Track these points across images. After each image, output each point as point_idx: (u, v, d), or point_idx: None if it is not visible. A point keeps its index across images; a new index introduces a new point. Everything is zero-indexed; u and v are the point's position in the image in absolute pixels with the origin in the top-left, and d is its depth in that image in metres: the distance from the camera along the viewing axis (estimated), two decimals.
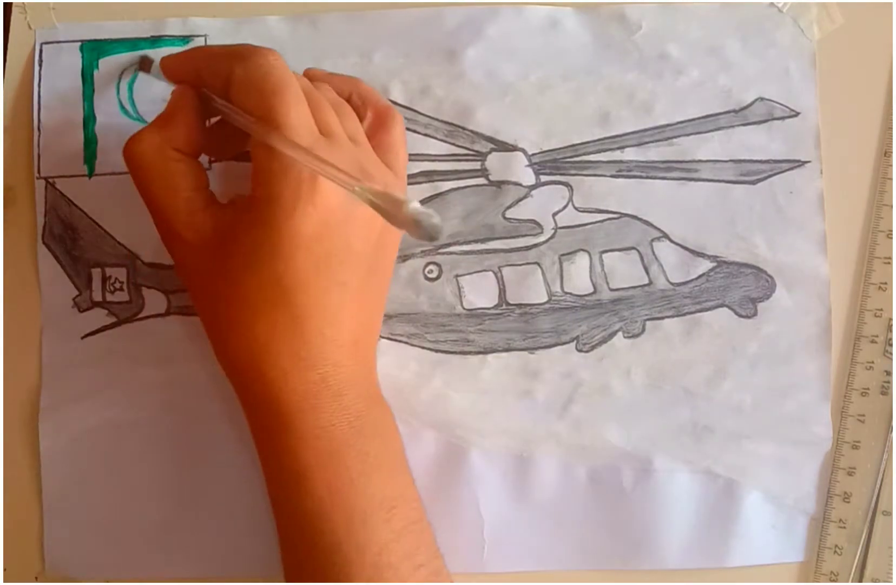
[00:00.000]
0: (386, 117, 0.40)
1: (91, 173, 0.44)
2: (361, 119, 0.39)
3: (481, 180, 0.44)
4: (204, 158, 0.44)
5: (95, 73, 0.44)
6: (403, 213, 0.30)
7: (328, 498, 0.36)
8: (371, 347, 0.39)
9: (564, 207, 0.44)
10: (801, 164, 0.44)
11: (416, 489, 0.38)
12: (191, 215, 0.37)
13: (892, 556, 0.42)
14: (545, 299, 0.44)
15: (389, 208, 0.30)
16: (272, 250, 0.35)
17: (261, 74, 0.35)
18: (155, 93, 0.44)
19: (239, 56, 0.36)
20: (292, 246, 0.35)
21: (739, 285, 0.43)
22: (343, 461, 0.36)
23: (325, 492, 0.36)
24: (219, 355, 0.37)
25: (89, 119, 0.44)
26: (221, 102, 0.37)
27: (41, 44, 0.44)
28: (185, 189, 0.37)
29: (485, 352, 0.44)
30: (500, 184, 0.44)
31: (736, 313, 0.43)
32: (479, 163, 0.44)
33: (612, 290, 0.44)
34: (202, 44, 0.45)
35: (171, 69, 0.39)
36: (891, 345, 0.43)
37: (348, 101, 0.40)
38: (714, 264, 0.44)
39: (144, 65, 0.44)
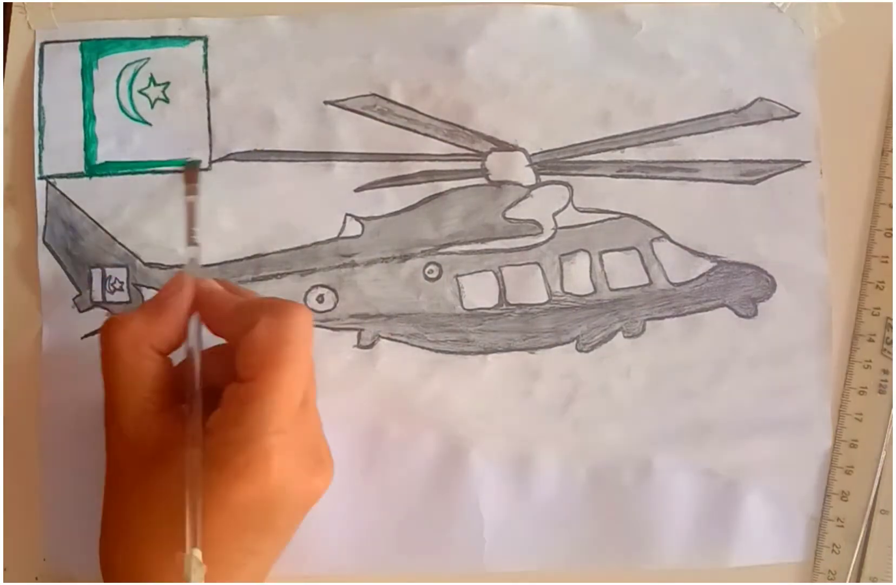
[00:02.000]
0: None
1: (91, 174, 0.44)
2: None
3: (481, 180, 0.44)
4: (205, 159, 0.44)
5: (95, 72, 0.44)
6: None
7: None
8: None
9: (564, 207, 0.44)
10: (800, 164, 0.44)
11: None
12: (141, 416, 0.36)
13: (890, 555, 0.42)
14: (545, 299, 0.44)
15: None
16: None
17: (281, 338, 0.35)
18: (155, 93, 0.44)
19: (268, 306, 0.36)
20: (216, 510, 0.34)
21: (740, 285, 0.44)
22: None
23: None
24: (101, 559, 0.37)
25: (89, 119, 0.44)
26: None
27: (41, 44, 0.44)
28: (146, 389, 0.37)
29: (485, 352, 0.44)
30: (500, 184, 0.44)
31: (736, 313, 0.44)
32: (479, 163, 0.44)
33: (612, 290, 0.44)
34: (201, 47, 0.44)
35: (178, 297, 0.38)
36: (889, 344, 0.43)
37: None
38: (714, 263, 0.44)
39: (190, 177, 0.41)
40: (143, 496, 0.35)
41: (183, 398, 0.37)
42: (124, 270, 0.44)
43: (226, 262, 0.44)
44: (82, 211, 0.44)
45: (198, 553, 0.33)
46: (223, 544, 0.35)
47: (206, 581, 0.34)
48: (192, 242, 0.39)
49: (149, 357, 0.37)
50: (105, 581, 0.37)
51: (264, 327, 0.35)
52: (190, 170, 0.43)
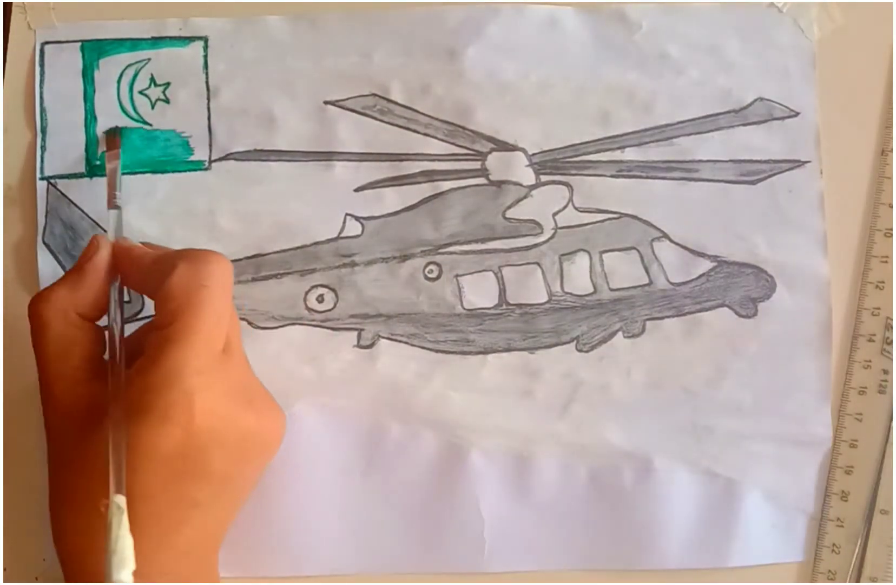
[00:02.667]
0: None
1: (92, 174, 0.44)
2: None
3: (481, 180, 0.44)
4: (205, 159, 0.44)
5: (96, 72, 0.44)
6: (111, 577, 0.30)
7: None
8: (209, 556, 0.38)
9: (564, 207, 0.44)
10: (800, 164, 0.44)
11: None
12: (73, 385, 0.37)
13: (890, 555, 0.42)
14: (545, 299, 0.44)
15: (111, 555, 0.31)
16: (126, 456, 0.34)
17: (197, 284, 0.35)
18: (155, 94, 0.44)
19: (184, 255, 0.36)
20: (145, 460, 0.34)
21: (740, 285, 0.44)
22: None
23: None
24: (52, 531, 0.37)
25: (90, 119, 0.44)
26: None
27: (41, 44, 0.44)
28: (76, 358, 0.37)
29: (485, 352, 0.44)
30: (500, 184, 0.44)
31: (736, 313, 0.44)
32: (479, 163, 0.44)
33: (612, 290, 0.44)
34: (201, 47, 0.44)
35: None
36: (889, 344, 0.43)
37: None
38: (714, 263, 0.44)
39: (111, 143, 0.44)
40: (83, 462, 0.35)
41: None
42: None
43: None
44: (82, 211, 0.44)
45: (120, 499, 0.32)
46: (157, 496, 0.35)
47: (152, 536, 0.34)
48: (112, 205, 0.41)
49: (76, 325, 0.37)
50: (57, 549, 0.36)
51: (180, 272, 0.35)
52: (110, 137, 0.44)
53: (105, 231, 0.44)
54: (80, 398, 0.36)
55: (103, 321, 0.38)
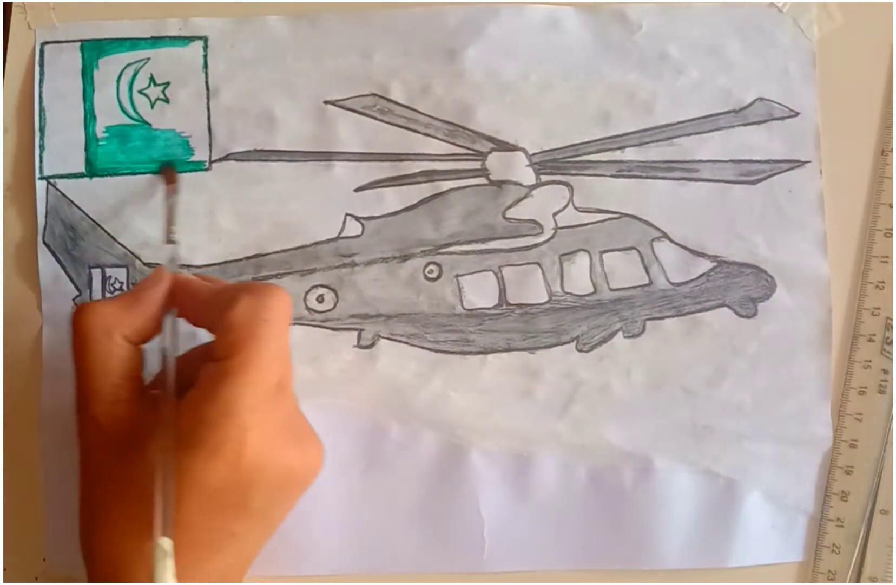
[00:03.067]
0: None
1: (92, 174, 0.44)
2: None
3: (482, 180, 0.44)
4: (205, 159, 0.44)
5: (96, 73, 0.44)
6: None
7: None
8: (240, 575, 0.38)
9: (565, 207, 0.44)
10: (800, 164, 0.44)
11: None
12: (113, 403, 0.36)
13: (890, 555, 0.42)
14: (545, 299, 0.44)
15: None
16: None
17: (259, 318, 0.35)
18: (155, 93, 0.44)
19: (248, 289, 0.36)
20: (190, 491, 0.34)
21: (740, 285, 0.44)
22: None
23: None
24: (81, 548, 0.37)
25: (90, 119, 0.44)
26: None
27: (41, 44, 0.44)
28: (117, 376, 0.37)
29: (485, 352, 0.44)
30: (500, 184, 0.44)
31: (736, 313, 0.44)
32: (479, 163, 0.44)
33: (612, 290, 0.44)
34: (201, 47, 0.44)
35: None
36: (889, 344, 0.43)
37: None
38: (714, 263, 0.44)
39: (170, 178, 0.43)
40: (119, 484, 0.35)
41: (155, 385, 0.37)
42: (124, 270, 0.44)
43: (226, 262, 0.44)
44: (82, 211, 0.44)
45: (166, 543, 0.33)
46: (198, 526, 0.35)
47: (186, 563, 0.34)
48: (170, 240, 0.41)
49: (120, 345, 0.37)
50: (87, 568, 0.36)
51: (243, 305, 0.35)
52: (168, 171, 0.43)
53: (106, 232, 0.44)
54: (119, 417, 0.36)
55: None
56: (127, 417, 0.36)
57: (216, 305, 0.36)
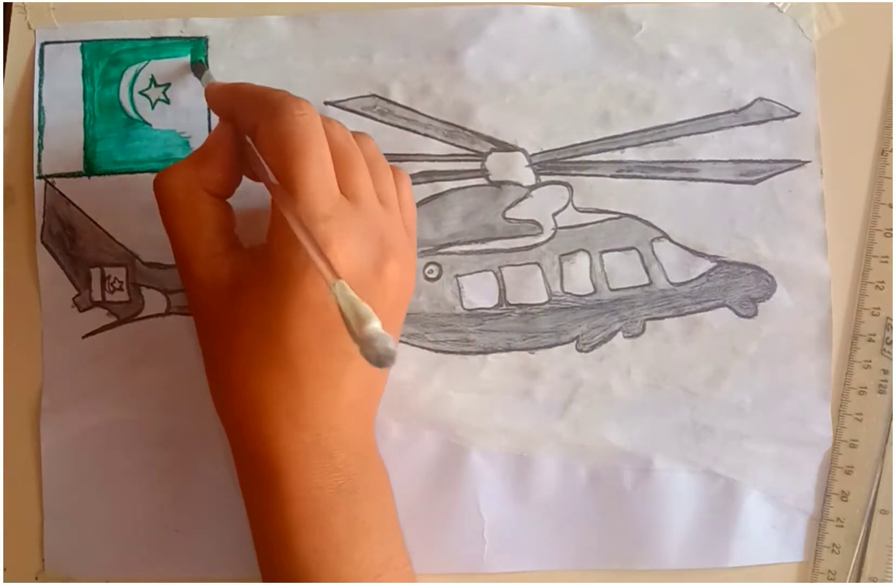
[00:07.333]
0: (399, 176, 0.40)
1: (90, 173, 0.44)
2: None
3: (481, 180, 0.44)
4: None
5: (96, 72, 0.44)
6: (363, 329, 0.28)
7: (312, 562, 0.35)
8: (371, 410, 0.39)
9: (564, 207, 0.44)
10: (800, 164, 0.44)
11: (406, 553, 0.38)
12: (210, 258, 0.37)
13: (890, 555, 0.42)
14: (545, 299, 0.44)
15: (352, 318, 0.29)
16: (278, 312, 0.34)
17: (283, 133, 0.34)
18: (155, 94, 0.44)
19: (266, 108, 0.35)
20: (299, 311, 0.34)
21: (740, 285, 0.44)
22: (329, 526, 0.35)
23: (309, 555, 0.35)
24: (215, 403, 0.37)
25: (89, 119, 0.44)
26: (252, 149, 0.36)
27: (41, 44, 0.44)
28: (210, 231, 0.37)
29: (485, 352, 0.44)
30: (500, 184, 0.44)
31: (736, 313, 0.44)
32: (479, 163, 0.44)
33: (612, 290, 0.44)
34: (201, 48, 0.44)
35: (212, 100, 0.39)
36: (889, 344, 0.43)
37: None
38: (714, 263, 0.44)
39: (198, 70, 0.44)
40: (235, 325, 0.36)
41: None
42: (123, 269, 0.44)
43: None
44: (80, 211, 0.44)
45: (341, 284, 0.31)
46: (313, 349, 0.35)
47: (315, 391, 0.35)
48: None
49: (204, 200, 0.37)
50: (222, 417, 0.37)
51: (263, 133, 0.35)
52: (197, 68, 0.44)
53: (104, 231, 0.44)
54: (219, 269, 0.36)
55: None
56: (226, 268, 0.37)
57: (252, 110, 0.36)
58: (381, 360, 0.28)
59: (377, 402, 0.39)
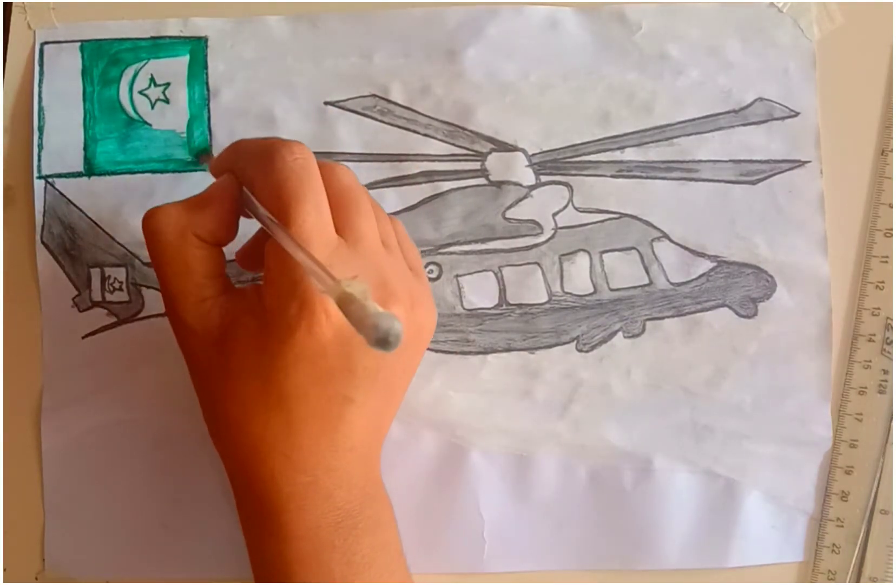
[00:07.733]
0: (392, 220, 0.39)
1: (90, 173, 0.44)
2: None
3: (481, 180, 0.44)
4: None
5: (95, 72, 0.44)
6: (366, 315, 0.28)
7: None
8: (374, 450, 0.38)
9: (564, 207, 0.44)
10: (800, 164, 0.44)
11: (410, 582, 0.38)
12: (199, 303, 0.36)
13: (890, 555, 0.42)
14: (545, 299, 0.44)
15: (355, 311, 0.28)
16: (273, 360, 0.34)
17: (276, 181, 0.34)
18: (155, 94, 0.44)
19: (260, 157, 0.35)
20: (294, 360, 0.34)
21: (740, 285, 0.44)
22: (326, 564, 0.35)
23: None
24: (214, 442, 0.37)
25: (89, 119, 0.44)
26: (250, 198, 0.36)
27: (41, 44, 0.44)
28: (199, 275, 0.36)
29: (485, 352, 0.44)
30: (500, 184, 0.44)
31: (736, 313, 0.44)
32: (479, 163, 0.44)
33: (612, 290, 0.44)
34: (201, 48, 0.44)
35: (215, 168, 0.39)
36: (889, 344, 0.43)
37: None
38: (714, 263, 0.44)
39: (203, 158, 0.44)
40: (227, 371, 0.35)
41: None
42: (123, 269, 0.44)
43: (227, 262, 0.44)
44: (80, 211, 0.44)
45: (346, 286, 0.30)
46: (311, 395, 0.34)
47: (312, 433, 0.35)
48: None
49: (195, 245, 0.36)
50: (226, 462, 0.37)
51: (258, 183, 0.35)
52: (203, 156, 0.44)
53: (105, 231, 0.44)
54: (209, 315, 0.36)
55: None
56: (215, 313, 0.36)
57: (248, 164, 0.36)
58: (382, 339, 0.27)
59: (381, 442, 0.39)
